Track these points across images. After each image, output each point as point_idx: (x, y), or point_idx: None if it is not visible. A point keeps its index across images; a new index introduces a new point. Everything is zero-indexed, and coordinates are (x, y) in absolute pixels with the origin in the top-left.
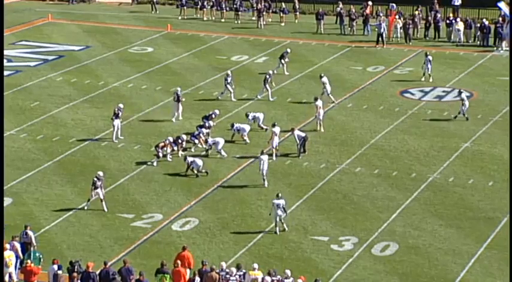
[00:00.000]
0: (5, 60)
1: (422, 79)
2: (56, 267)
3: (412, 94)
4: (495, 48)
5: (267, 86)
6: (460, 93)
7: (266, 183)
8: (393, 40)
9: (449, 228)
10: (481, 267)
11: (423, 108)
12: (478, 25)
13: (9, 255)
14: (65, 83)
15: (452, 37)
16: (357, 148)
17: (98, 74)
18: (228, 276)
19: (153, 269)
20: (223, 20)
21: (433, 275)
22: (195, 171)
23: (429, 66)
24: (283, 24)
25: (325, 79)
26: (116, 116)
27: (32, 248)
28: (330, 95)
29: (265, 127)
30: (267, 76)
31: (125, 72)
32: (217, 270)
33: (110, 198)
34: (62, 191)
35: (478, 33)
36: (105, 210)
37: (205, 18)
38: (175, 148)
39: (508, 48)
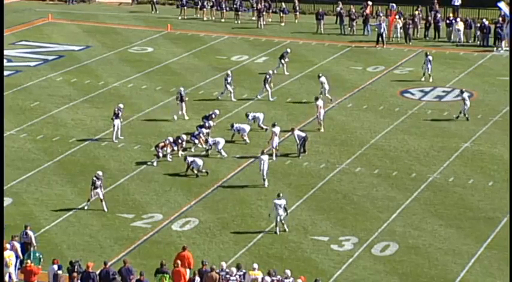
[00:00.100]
0: (5, 60)
1: (422, 79)
2: (56, 267)
3: (412, 94)
4: (495, 48)
5: (267, 86)
6: (462, 92)
7: (266, 183)
8: (393, 40)
9: (449, 228)
10: (481, 267)
11: (423, 108)
12: (478, 25)
13: (9, 255)
14: (65, 83)
15: (452, 37)
16: (357, 148)
17: (98, 74)
18: (228, 276)
19: (153, 269)
20: (223, 20)
21: (433, 275)
22: (195, 171)
23: (429, 66)
24: (283, 24)
25: (323, 79)
26: (116, 116)
27: (32, 248)
28: (327, 94)
29: (265, 127)
30: (267, 76)
31: (124, 72)
32: (217, 270)
33: (110, 198)
34: (62, 191)
35: (478, 33)
36: (105, 210)
37: (205, 18)
38: (175, 148)
39: (508, 48)
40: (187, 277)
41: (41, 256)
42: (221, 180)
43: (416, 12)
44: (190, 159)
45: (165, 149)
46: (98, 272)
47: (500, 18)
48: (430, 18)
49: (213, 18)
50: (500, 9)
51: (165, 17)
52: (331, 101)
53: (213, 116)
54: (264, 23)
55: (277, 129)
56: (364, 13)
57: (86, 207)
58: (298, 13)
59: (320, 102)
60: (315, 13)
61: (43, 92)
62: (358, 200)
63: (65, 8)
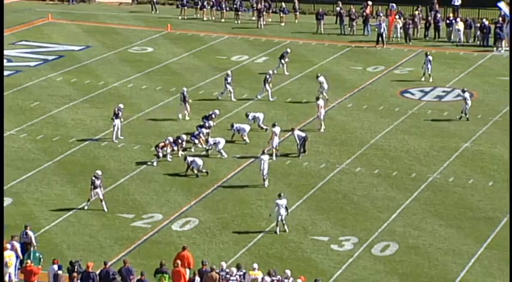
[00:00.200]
0: (5, 60)
1: (422, 79)
2: (56, 267)
3: (412, 94)
4: (495, 48)
5: (267, 86)
6: (463, 92)
7: (266, 183)
8: (393, 40)
9: (449, 228)
10: (481, 267)
11: (423, 108)
12: (478, 25)
13: (9, 255)
14: (65, 83)
15: (452, 37)
16: (357, 148)
17: (98, 74)
18: (228, 276)
19: (153, 269)
20: (223, 20)
21: (433, 275)
22: (195, 171)
23: (429, 66)
24: (283, 24)
25: (321, 78)
26: (116, 116)
27: (32, 248)
28: (324, 93)
29: (265, 127)
30: (267, 76)
31: (125, 72)
32: (217, 270)
33: (110, 198)
34: (62, 191)
35: (478, 33)
36: (105, 210)
37: (205, 18)
38: (175, 148)
39: (508, 48)
40: (187, 277)
41: (41, 256)
42: (221, 180)
43: (416, 12)
44: (190, 159)
45: (165, 149)
46: (98, 272)
47: (500, 18)
48: (430, 18)
49: (213, 18)
50: (500, 9)
51: (165, 17)
52: (327, 101)
53: (213, 116)
54: (264, 23)
55: (277, 129)
56: (364, 13)
57: (86, 207)
58: (298, 13)
59: (321, 102)
60: (315, 13)
61: (43, 92)
62: (358, 200)
63: (65, 8)
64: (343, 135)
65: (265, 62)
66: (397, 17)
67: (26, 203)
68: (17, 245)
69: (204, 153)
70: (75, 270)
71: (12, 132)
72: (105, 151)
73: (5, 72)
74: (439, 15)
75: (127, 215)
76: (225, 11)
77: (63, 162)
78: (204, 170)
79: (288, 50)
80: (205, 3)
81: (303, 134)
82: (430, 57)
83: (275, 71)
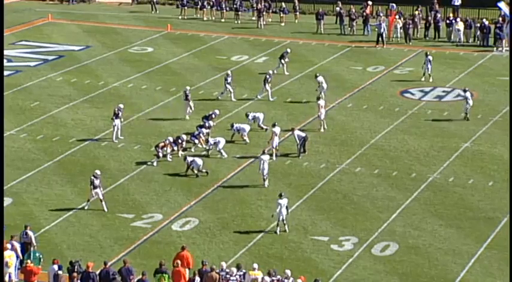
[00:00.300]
0: (5, 60)
1: (422, 79)
2: (56, 267)
3: (412, 94)
4: (495, 48)
5: (267, 86)
6: (464, 91)
7: (266, 183)
8: (393, 40)
9: (449, 228)
10: (481, 267)
11: (423, 108)
12: (478, 25)
13: (9, 255)
14: (65, 83)
15: (452, 37)
16: (357, 148)
17: (98, 74)
18: (228, 276)
19: (153, 269)
20: (223, 20)
21: (433, 275)
22: (195, 171)
23: (429, 66)
24: (283, 24)
25: (320, 78)
26: (116, 116)
27: (32, 248)
28: (323, 93)
29: (265, 127)
30: (267, 76)
31: (125, 72)
32: (217, 270)
33: (110, 198)
34: (62, 191)
35: (478, 33)
36: (105, 210)
37: (205, 18)
38: (175, 148)
39: (508, 48)
40: (187, 277)
41: (41, 256)
42: (221, 180)
43: (416, 12)
44: (190, 159)
45: (165, 149)
46: (98, 272)
47: (500, 18)
48: (430, 18)
49: (213, 18)
50: (500, 9)
51: (165, 17)
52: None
53: (213, 116)
54: (264, 23)
55: (277, 129)
56: (364, 13)
57: (86, 207)
58: (298, 13)
59: (321, 102)
60: (315, 13)
61: (43, 92)
62: (358, 200)
63: (65, 8)
64: (343, 135)
65: (265, 62)
66: (397, 17)
67: (26, 203)
68: (17, 245)
69: (204, 153)
70: (75, 270)
71: (12, 132)
72: (105, 151)
73: (5, 72)
74: (439, 15)
75: (127, 215)
76: (225, 11)
77: (63, 162)
78: (204, 170)
79: (288, 50)
80: (205, 3)
81: (303, 134)
82: (430, 57)
83: (275, 71)
